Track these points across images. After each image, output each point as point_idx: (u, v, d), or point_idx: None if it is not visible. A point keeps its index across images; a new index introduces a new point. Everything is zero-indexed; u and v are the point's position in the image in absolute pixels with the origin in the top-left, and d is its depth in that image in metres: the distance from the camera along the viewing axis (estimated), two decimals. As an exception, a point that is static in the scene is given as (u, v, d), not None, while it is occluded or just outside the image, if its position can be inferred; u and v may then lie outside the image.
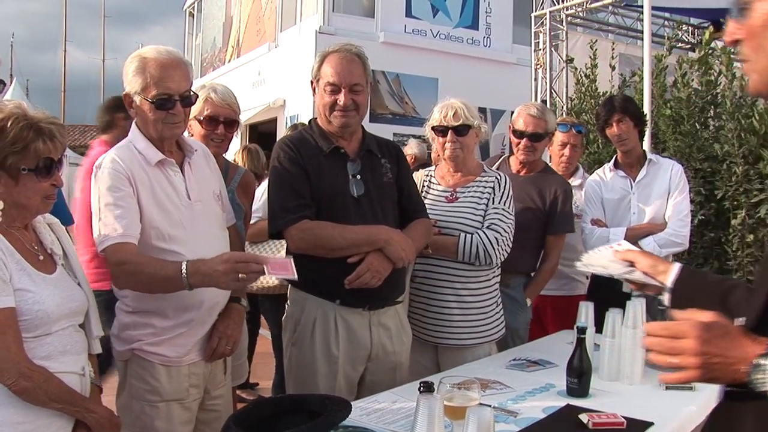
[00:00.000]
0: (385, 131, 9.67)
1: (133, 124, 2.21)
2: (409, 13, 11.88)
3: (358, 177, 2.47)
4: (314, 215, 2.39)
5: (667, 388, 2.23)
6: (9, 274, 1.74)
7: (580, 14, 8.26)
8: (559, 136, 3.71)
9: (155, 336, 2.14)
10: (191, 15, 19.68)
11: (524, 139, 3.23)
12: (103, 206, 2.06)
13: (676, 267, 1.60)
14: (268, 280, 3.81)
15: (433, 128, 2.86)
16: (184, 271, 1.94)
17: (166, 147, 2.20)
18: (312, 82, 2.53)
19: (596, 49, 7.19)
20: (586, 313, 2.50)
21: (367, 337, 2.47)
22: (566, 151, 3.72)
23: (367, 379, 2.52)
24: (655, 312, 2.56)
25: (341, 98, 2.42)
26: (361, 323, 2.46)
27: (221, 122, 2.73)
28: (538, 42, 8.39)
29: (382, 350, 2.51)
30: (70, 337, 1.88)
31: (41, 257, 1.88)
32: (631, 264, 1.68)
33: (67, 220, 2.56)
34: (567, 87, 8.19)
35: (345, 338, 2.44)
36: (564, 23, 8.19)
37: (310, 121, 2.61)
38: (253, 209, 3.54)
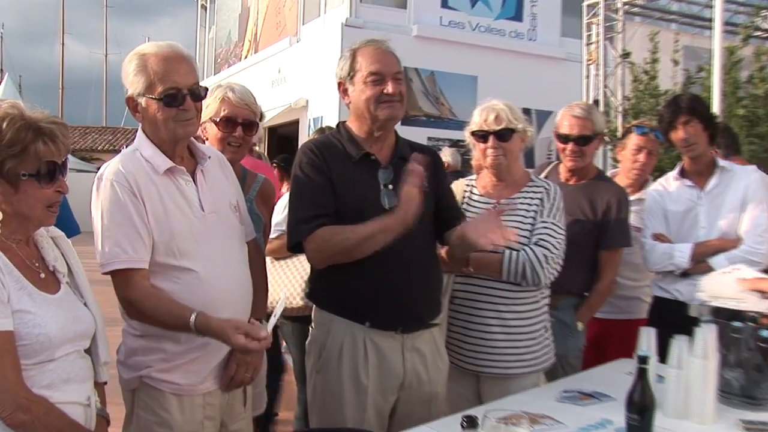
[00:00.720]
0: (418, 135, 9.62)
1: (139, 130, 2.24)
2: (445, 4, 11.97)
3: (390, 187, 2.48)
4: (332, 224, 2.40)
5: (745, 428, 2.18)
6: (7, 294, 1.72)
7: (639, 2, 8.21)
8: (634, 140, 3.66)
9: (166, 362, 2.14)
10: (203, 6, 20.00)
11: (570, 144, 3.21)
12: (107, 223, 2.07)
13: None
14: (292, 301, 3.84)
15: (473, 133, 2.86)
16: (192, 322, 2.02)
17: (177, 153, 2.22)
18: (341, 83, 2.55)
19: (657, 42, 7.17)
20: (647, 339, 2.46)
21: (399, 363, 2.46)
22: (641, 157, 3.68)
23: (399, 411, 2.51)
24: (729, 340, 2.51)
25: (389, 86, 2.45)
26: (392, 348, 2.45)
27: (239, 124, 2.74)
28: (591, 34, 8.37)
29: (416, 379, 2.50)
30: (74, 363, 1.85)
31: (43, 275, 1.86)
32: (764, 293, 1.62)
33: (73, 229, 2.60)
34: (623, 85, 8.14)
35: (375, 365, 2.43)
36: (620, 12, 8.15)
37: (338, 125, 2.63)
38: (274, 222, 3.56)
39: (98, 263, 2.10)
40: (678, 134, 3.32)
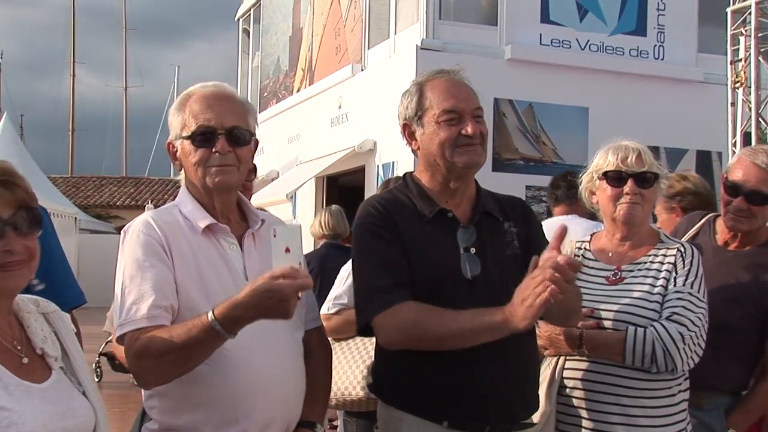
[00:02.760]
0: (514, 184, 9.53)
1: (182, 185, 2.43)
2: (545, 18, 11.95)
3: (473, 251, 2.54)
4: (413, 298, 2.45)
5: None
6: None
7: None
8: None
9: None
10: (246, 31, 20.56)
11: (739, 198, 3.12)
12: (128, 281, 2.20)
13: None
14: (351, 391, 3.87)
15: (605, 174, 2.85)
16: (211, 317, 2.03)
17: (222, 211, 2.37)
18: (406, 126, 2.64)
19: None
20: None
21: None
22: None
23: None
24: None
25: (468, 127, 2.51)
26: None
27: None
28: (738, 48, 8.28)
29: None
30: None
31: (26, 360, 1.89)
32: None
33: (75, 297, 2.71)
34: (782, 113, 8.00)
35: None
36: (776, 20, 8.04)
37: (404, 176, 2.72)
38: (333, 295, 3.63)
39: (115, 327, 2.22)
40: None
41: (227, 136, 2.29)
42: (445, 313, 2.37)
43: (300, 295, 2.03)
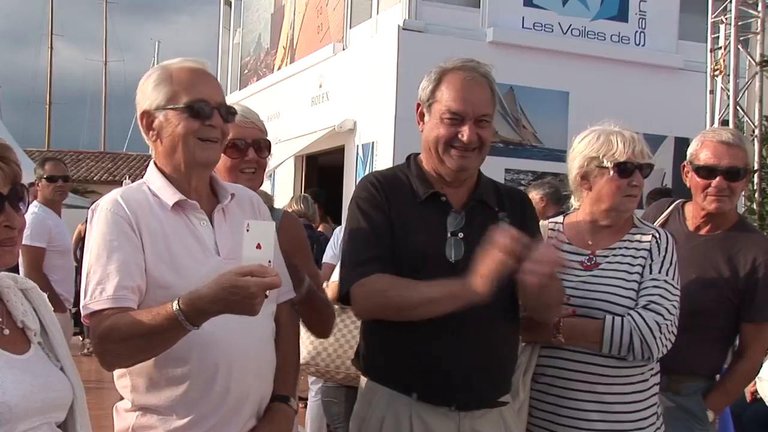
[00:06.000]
0: (493, 166, 9.51)
1: (151, 162, 2.41)
2: (528, 2, 11.95)
3: (460, 236, 2.56)
4: (391, 272, 2.50)
5: None
6: None
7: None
8: None
9: None
10: (228, 4, 20.44)
11: (717, 178, 3.15)
12: (94, 260, 2.20)
13: None
14: (346, 361, 3.87)
15: (620, 165, 2.82)
16: (176, 307, 2.03)
17: (193, 187, 2.37)
18: (419, 105, 2.68)
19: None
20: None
21: None
22: None
23: None
24: None
25: (465, 132, 2.55)
26: (445, 428, 2.53)
27: (250, 145, 2.88)
28: (718, 36, 8.32)
29: None
30: None
31: (7, 331, 1.94)
32: None
33: None
34: (761, 102, 8.05)
35: None
36: (760, 6, 8.07)
37: (408, 157, 2.76)
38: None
39: (81, 307, 2.22)
40: None
41: (219, 111, 2.31)
42: (411, 283, 2.45)
43: (267, 293, 2.03)
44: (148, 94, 2.33)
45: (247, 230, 2.02)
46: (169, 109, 2.29)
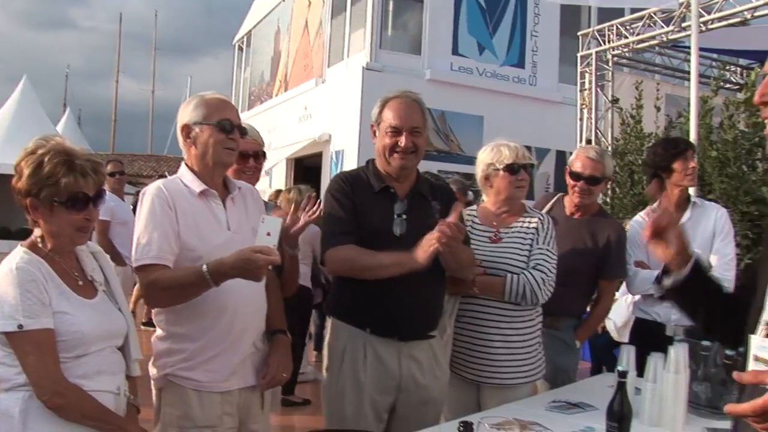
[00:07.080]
0: (429, 168, 9.60)
1: (182, 163, 2.39)
2: (455, 51, 12.02)
3: (404, 217, 2.57)
4: (356, 243, 2.51)
5: (708, 432, 2.21)
6: (49, 298, 1.85)
7: (626, 54, 8.29)
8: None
9: (186, 360, 2.21)
10: (240, 49, 20.23)
11: (581, 182, 3.21)
12: (143, 227, 2.17)
13: None
14: None
15: (508, 166, 2.84)
16: (205, 269, 2.03)
17: (213, 181, 2.35)
18: (372, 126, 2.68)
19: (642, 90, 7.22)
20: (627, 356, 2.49)
21: (395, 366, 2.53)
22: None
23: (398, 412, 2.57)
24: (698, 357, 2.55)
25: (402, 140, 2.55)
26: (390, 352, 2.54)
27: (251, 156, 2.90)
28: (584, 81, 8.44)
29: (413, 382, 2.55)
30: (106, 358, 1.96)
31: (81, 282, 1.98)
32: None
33: None
34: (612, 127, 8.19)
35: (373, 365, 2.51)
36: (610, 63, 8.23)
37: (368, 161, 2.75)
38: None
39: (132, 260, 2.20)
40: (690, 164, 3.34)
41: (238, 129, 2.32)
42: (372, 253, 2.45)
43: (270, 267, 2.05)
44: (188, 113, 2.30)
45: (262, 222, 2.03)
46: (204, 124, 2.28)
